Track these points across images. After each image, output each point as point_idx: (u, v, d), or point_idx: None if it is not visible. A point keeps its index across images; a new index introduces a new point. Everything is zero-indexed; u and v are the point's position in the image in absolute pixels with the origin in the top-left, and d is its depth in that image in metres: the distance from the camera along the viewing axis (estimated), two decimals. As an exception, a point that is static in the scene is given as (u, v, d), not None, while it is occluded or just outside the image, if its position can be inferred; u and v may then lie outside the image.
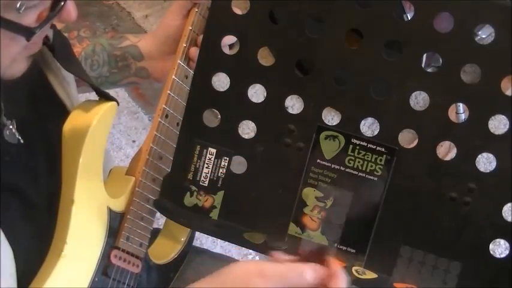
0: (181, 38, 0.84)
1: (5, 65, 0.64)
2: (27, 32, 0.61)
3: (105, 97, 0.79)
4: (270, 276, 0.63)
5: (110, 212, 0.80)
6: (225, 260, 1.04)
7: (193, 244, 0.99)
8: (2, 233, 0.66)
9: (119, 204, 0.81)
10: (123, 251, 0.81)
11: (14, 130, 0.72)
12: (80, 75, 0.82)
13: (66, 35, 0.88)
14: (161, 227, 0.95)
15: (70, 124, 0.77)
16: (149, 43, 0.91)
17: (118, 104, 0.81)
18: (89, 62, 0.90)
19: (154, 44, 0.90)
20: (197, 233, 1.03)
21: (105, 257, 0.79)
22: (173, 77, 0.83)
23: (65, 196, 0.75)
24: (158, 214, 0.82)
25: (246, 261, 0.64)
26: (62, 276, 0.72)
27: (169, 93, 0.83)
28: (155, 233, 0.90)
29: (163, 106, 0.83)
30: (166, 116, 0.83)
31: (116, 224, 0.81)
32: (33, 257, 0.71)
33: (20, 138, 0.72)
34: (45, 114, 0.79)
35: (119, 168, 0.87)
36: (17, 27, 0.60)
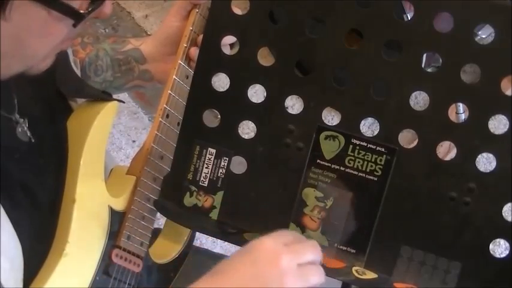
0: (182, 38, 0.84)
1: (44, 54, 0.64)
2: (77, 16, 0.61)
3: (106, 98, 0.80)
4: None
5: (111, 211, 0.80)
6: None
7: (194, 244, 0.99)
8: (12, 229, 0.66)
9: (120, 204, 0.81)
10: (124, 250, 0.81)
11: (26, 128, 0.72)
12: (75, 94, 0.82)
13: None
14: (162, 226, 0.95)
15: (72, 124, 0.77)
16: (151, 46, 0.91)
17: (123, 102, 0.81)
18: (93, 68, 0.90)
19: (155, 46, 0.91)
20: (197, 233, 1.03)
21: (106, 256, 0.79)
22: (174, 77, 0.83)
23: (67, 195, 0.75)
24: (159, 214, 0.82)
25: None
26: (64, 275, 0.72)
27: (170, 93, 0.83)
28: (156, 232, 0.90)
29: (164, 106, 0.83)
30: (167, 116, 0.83)
31: (117, 223, 0.81)
32: (35, 255, 0.71)
33: (31, 136, 0.73)
34: (54, 115, 0.79)
35: (120, 167, 0.87)
36: (69, 9, 0.60)
